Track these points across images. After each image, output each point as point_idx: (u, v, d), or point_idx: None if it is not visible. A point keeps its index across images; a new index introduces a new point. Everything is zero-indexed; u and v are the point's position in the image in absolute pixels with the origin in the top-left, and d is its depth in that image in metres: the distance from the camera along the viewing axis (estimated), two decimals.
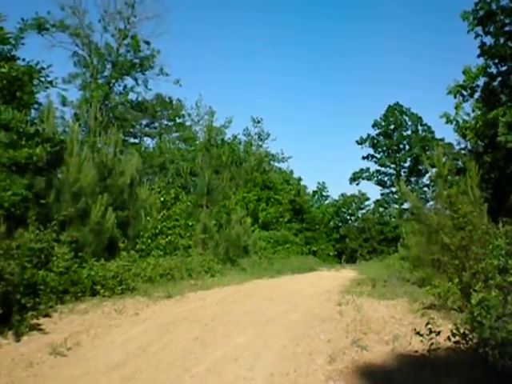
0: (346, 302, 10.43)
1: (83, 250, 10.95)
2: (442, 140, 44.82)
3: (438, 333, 5.43)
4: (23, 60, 11.36)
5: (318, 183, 57.88)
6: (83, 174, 11.69)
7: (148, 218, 15.88)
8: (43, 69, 11.72)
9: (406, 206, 38.36)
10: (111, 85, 35.27)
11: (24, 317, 7.38)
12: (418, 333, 5.60)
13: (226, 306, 10.20)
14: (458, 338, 5.31)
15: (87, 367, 5.98)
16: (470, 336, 5.26)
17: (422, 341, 5.63)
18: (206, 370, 5.87)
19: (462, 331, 5.32)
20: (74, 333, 7.37)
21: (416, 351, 6.03)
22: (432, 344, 5.46)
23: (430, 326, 5.52)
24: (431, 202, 18.43)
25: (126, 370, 5.89)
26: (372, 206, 55.51)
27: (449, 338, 5.36)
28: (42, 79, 11.86)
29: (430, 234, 12.50)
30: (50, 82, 11.95)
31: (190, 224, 18.69)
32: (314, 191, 56.93)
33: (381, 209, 55.38)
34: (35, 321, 7.68)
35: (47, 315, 8.27)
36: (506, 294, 5.21)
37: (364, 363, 6.03)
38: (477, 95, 21.28)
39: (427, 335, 5.49)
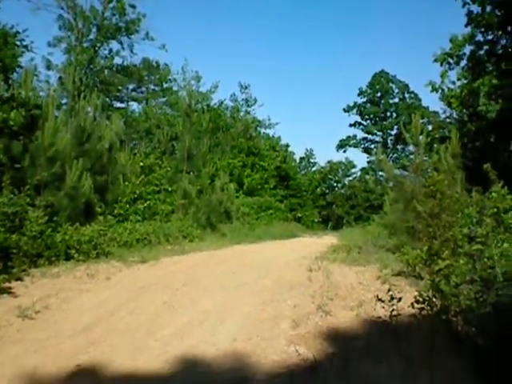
0: (317, 268, 10.43)
1: (58, 214, 10.93)
2: (427, 108, 44.76)
3: (399, 299, 5.42)
4: None
5: (306, 150, 57.87)
6: (58, 138, 11.60)
7: (127, 183, 15.85)
8: (18, 33, 11.41)
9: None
10: (96, 49, 34.87)
11: None
12: (379, 299, 5.59)
13: (198, 271, 10.30)
14: (421, 305, 5.29)
15: (54, 330, 6.02)
16: (433, 303, 5.25)
17: (383, 307, 5.63)
18: (171, 334, 5.92)
19: (424, 298, 5.29)
20: (44, 296, 7.40)
21: (379, 317, 6.05)
22: (393, 310, 5.47)
23: (391, 292, 5.49)
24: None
25: (93, 334, 5.93)
26: (359, 173, 55.68)
27: (412, 305, 5.35)
28: (18, 43, 11.58)
29: (406, 202, 12.59)
30: (26, 47, 11.66)
31: (170, 189, 18.74)
32: (301, 158, 56.96)
33: (367, 176, 55.48)
34: (7, 284, 7.73)
35: (19, 279, 8.32)
36: (474, 262, 5.28)
37: (327, 328, 6.06)
38: (463, 64, 21.11)
39: (389, 301, 5.48)
